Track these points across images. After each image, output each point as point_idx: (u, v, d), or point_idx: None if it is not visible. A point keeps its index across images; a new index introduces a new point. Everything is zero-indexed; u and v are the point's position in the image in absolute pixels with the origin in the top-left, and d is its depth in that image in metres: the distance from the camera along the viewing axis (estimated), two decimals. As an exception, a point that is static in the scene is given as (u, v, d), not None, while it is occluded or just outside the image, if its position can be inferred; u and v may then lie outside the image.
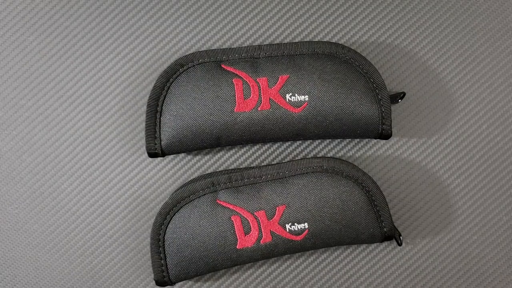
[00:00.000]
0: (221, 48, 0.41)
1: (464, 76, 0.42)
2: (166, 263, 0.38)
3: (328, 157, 0.39)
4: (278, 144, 0.42)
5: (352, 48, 0.41)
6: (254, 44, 0.41)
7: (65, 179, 0.42)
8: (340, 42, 0.42)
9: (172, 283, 0.39)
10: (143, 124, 0.41)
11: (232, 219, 0.37)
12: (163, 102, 0.39)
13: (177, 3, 0.42)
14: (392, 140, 0.42)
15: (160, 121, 0.39)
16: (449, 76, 0.42)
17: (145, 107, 0.41)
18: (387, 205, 0.39)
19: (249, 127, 0.38)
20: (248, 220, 0.37)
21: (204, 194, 0.38)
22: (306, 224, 0.37)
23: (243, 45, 0.41)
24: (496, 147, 0.42)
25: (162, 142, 0.39)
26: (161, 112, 0.39)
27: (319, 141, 0.42)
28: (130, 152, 0.42)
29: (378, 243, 0.41)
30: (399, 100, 0.40)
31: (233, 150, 0.42)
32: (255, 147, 0.42)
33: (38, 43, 0.42)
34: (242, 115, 0.38)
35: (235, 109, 0.38)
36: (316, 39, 0.42)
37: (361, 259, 0.42)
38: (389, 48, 0.42)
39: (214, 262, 0.38)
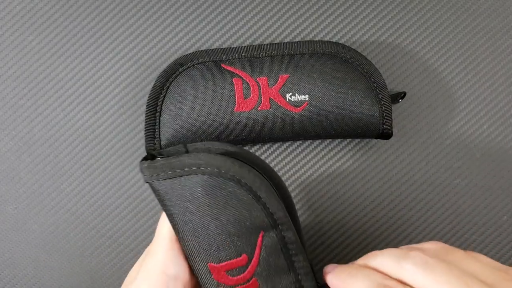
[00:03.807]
0: (221, 47, 0.41)
1: (465, 76, 0.42)
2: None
3: None
4: (278, 144, 0.42)
5: (353, 47, 0.41)
6: (254, 44, 0.41)
7: (64, 179, 0.42)
8: (340, 42, 0.42)
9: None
10: (143, 124, 0.41)
11: None
12: (162, 102, 0.39)
13: (177, 3, 0.42)
14: (393, 140, 0.42)
15: (159, 121, 0.39)
16: (449, 76, 0.42)
17: (144, 107, 0.41)
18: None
19: (249, 127, 0.38)
20: None
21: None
22: None
23: (243, 45, 0.41)
24: (496, 147, 0.42)
25: (162, 142, 0.39)
26: (160, 112, 0.39)
27: (320, 141, 0.42)
28: (130, 152, 0.42)
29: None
30: (400, 100, 0.40)
31: (233, 150, 0.42)
32: (255, 147, 0.42)
33: (38, 43, 0.42)
34: (242, 115, 0.38)
35: (235, 109, 0.38)
36: (316, 39, 0.42)
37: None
38: (390, 48, 0.42)
39: None
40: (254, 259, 0.28)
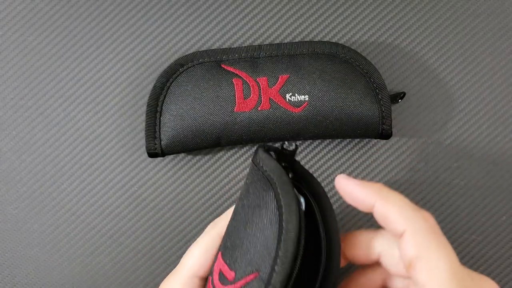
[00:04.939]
0: (221, 48, 0.41)
1: (464, 76, 0.42)
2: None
3: None
4: (278, 144, 0.42)
5: (352, 48, 0.41)
6: (254, 44, 0.41)
7: (65, 179, 0.42)
8: (340, 42, 0.42)
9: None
10: (143, 124, 0.41)
11: None
12: (163, 102, 0.39)
13: (177, 3, 0.42)
14: (392, 140, 0.42)
15: (160, 121, 0.39)
16: (449, 76, 0.42)
17: (145, 107, 0.41)
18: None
19: (249, 127, 0.38)
20: None
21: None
22: None
23: (243, 45, 0.41)
24: (496, 147, 0.42)
25: (162, 142, 0.39)
26: (161, 112, 0.39)
27: (319, 141, 0.42)
28: (130, 152, 0.42)
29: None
30: (399, 100, 0.40)
31: (233, 150, 0.42)
32: (255, 147, 0.42)
33: (38, 43, 0.42)
34: (242, 115, 0.38)
35: (235, 109, 0.38)
36: (316, 39, 0.42)
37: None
38: (389, 48, 0.42)
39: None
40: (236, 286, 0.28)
